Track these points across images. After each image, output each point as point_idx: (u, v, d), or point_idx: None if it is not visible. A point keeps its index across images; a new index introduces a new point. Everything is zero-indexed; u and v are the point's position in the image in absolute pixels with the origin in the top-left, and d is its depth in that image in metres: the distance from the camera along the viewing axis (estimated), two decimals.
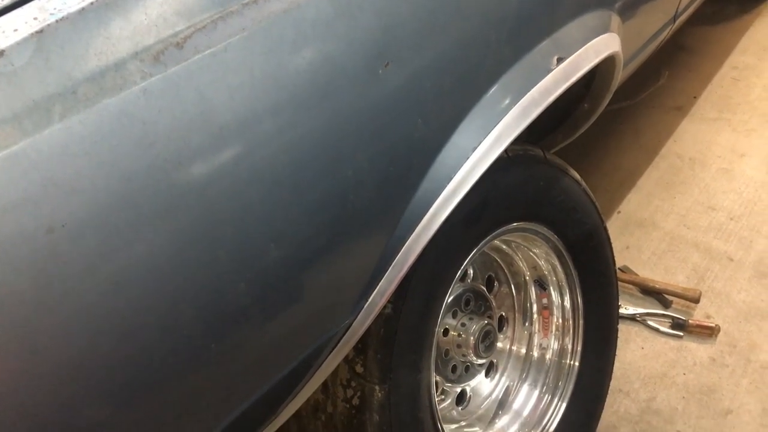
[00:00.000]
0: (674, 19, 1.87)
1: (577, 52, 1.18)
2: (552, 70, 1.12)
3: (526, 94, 1.08)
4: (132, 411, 0.72)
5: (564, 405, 1.43)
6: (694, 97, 2.80)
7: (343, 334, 0.97)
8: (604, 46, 1.25)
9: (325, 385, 1.13)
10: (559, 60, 1.14)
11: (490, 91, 1.03)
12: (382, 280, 0.97)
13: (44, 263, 0.59)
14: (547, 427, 1.41)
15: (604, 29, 1.27)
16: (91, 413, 0.69)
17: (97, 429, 0.70)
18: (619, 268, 2.01)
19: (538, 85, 1.10)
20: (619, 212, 2.27)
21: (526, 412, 1.43)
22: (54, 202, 0.59)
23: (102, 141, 0.61)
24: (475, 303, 1.38)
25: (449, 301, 1.32)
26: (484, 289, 1.41)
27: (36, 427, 0.65)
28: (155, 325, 0.68)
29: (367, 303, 0.97)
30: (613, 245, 1.51)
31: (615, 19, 1.33)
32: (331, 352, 0.98)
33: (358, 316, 0.97)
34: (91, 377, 0.67)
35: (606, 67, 1.35)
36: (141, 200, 0.64)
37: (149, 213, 0.65)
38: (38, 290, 0.59)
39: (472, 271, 1.40)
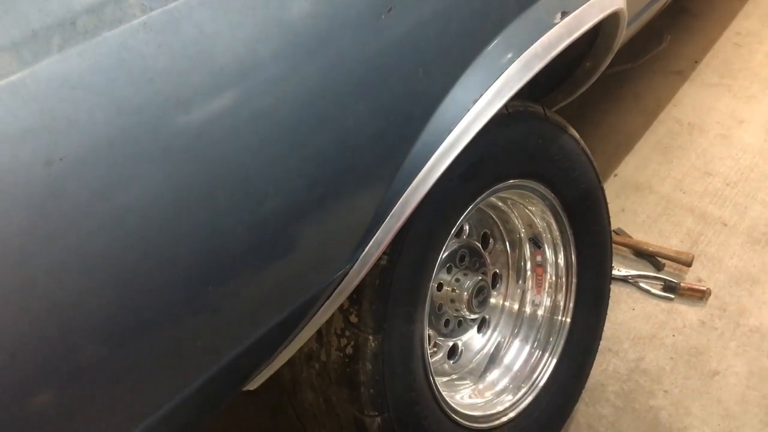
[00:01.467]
0: None
1: (582, 7, 1.16)
2: (556, 24, 1.11)
3: (528, 47, 1.07)
4: (126, 350, 0.73)
5: (554, 361, 1.45)
6: (696, 62, 2.78)
7: (339, 283, 0.98)
8: (608, 2, 1.23)
9: (319, 333, 1.14)
10: (564, 14, 1.12)
11: (493, 44, 1.02)
12: (378, 231, 0.97)
13: (42, 196, 0.59)
14: (536, 382, 1.43)
15: None
16: (87, 352, 0.69)
17: (93, 368, 0.71)
18: (613, 231, 2.02)
19: (541, 39, 1.09)
20: (615, 175, 2.27)
21: (516, 367, 1.45)
22: (53, 134, 0.58)
23: (101, 74, 0.60)
24: (469, 259, 1.39)
25: (444, 256, 1.33)
26: (479, 245, 1.42)
27: (33, 367, 0.65)
28: (152, 265, 0.69)
29: (364, 253, 0.97)
30: (609, 208, 1.51)
31: None
32: (326, 300, 0.99)
33: (354, 266, 0.98)
34: (88, 315, 0.67)
35: (610, 24, 1.33)
36: (139, 136, 0.64)
37: (148, 149, 0.65)
38: (36, 223, 0.59)
39: (467, 228, 1.40)
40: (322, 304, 0.99)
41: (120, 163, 0.63)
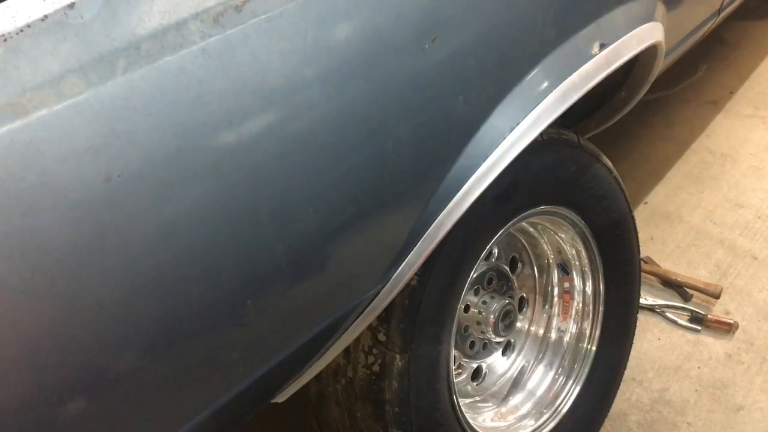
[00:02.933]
0: (719, 12, 1.85)
1: (620, 39, 1.17)
2: (594, 55, 1.12)
3: (566, 78, 1.08)
4: (167, 360, 0.75)
5: (578, 388, 1.45)
6: (731, 92, 2.77)
7: (370, 302, 1.00)
8: (647, 34, 1.25)
9: (347, 350, 1.16)
10: (602, 46, 1.14)
11: (532, 73, 1.04)
12: (411, 252, 0.99)
13: (100, 211, 0.61)
14: (559, 409, 1.43)
15: (649, 18, 1.26)
16: (129, 361, 0.72)
17: (133, 377, 0.73)
18: (641, 259, 2.01)
19: (579, 70, 1.10)
20: (645, 203, 2.26)
21: (539, 393, 1.45)
22: (113, 152, 0.61)
23: (161, 97, 0.63)
24: (497, 282, 1.40)
25: (472, 278, 1.34)
26: (508, 269, 1.43)
27: (74, 372, 0.68)
28: (197, 278, 0.71)
29: (396, 273, 0.99)
30: (638, 236, 1.51)
31: (660, 8, 1.32)
32: (357, 318, 1.00)
33: (386, 286, 0.99)
34: (133, 324, 0.69)
35: (647, 56, 1.34)
36: (192, 156, 0.66)
37: (199, 169, 0.67)
38: (93, 236, 0.62)
39: (496, 251, 1.42)
40: (353, 322, 1.00)
41: (172, 181, 0.66)
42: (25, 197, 0.57)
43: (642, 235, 1.85)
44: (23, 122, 0.57)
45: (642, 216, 2.20)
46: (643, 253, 2.04)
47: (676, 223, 2.19)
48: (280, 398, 1.09)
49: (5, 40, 0.57)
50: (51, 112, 0.58)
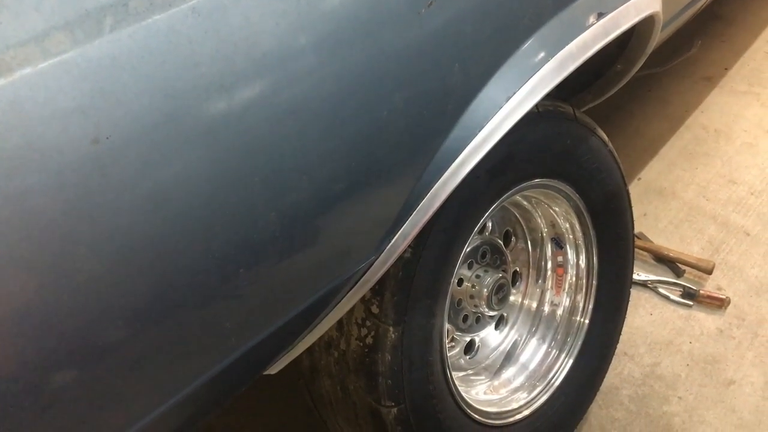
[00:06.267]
0: None
1: (618, 9, 1.16)
2: (592, 25, 1.11)
3: (563, 47, 1.07)
4: (158, 329, 0.74)
5: (570, 361, 1.45)
6: (725, 69, 2.76)
7: (364, 273, 0.99)
8: (645, 4, 1.23)
9: (339, 322, 1.15)
10: (600, 15, 1.12)
11: (528, 42, 1.02)
12: (406, 223, 0.98)
13: (87, 173, 0.60)
14: (552, 382, 1.43)
15: None
16: (119, 329, 0.70)
17: (124, 346, 0.72)
18: (634, 235, 2.01)
19: (576, 40, 1.09)
20: (639, 179, 2.26)
21: (532, 366, 1.45)
22: (101, 113, 0.59)
23: (149, 56, 0.61)
24: (491, 256, 1.39)
25: (466, 251, 1.33)
26: (501, 243, 1.42)
27: (65, 336, 0.67)
28: (188, 245, 0.70)
29: (390, 244, 0.98)
30: (632, 211, 1.51)
31: None
32: (350, 289, 0.99)
33: (380, 257, 0.98)
34: (123, 291, 0.68)
35: (644, 27, 1.33)
36: (183, 119, 0.65)
37: (190, 133, 0.66)
38: (80, 199, 0.60)
39: (490, 225, 1.41)
40: (346, 293, 1.00)
41: (162, 144, 0.64)
42: (10, 158, 0.56)
43: (635, 211, 1.84)
44: (6, 80, 0.55)
45: (635, 192, 2.20)
46: (636, 229, 2.04)
47: (670, 199, 2.19)
48: (273, 370, 1.08)
49: None
50: (36, 70, 0.56)
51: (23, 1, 0.56)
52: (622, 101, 2.48)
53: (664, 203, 2.18)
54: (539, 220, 1.47)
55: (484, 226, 1.38)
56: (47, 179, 0.58)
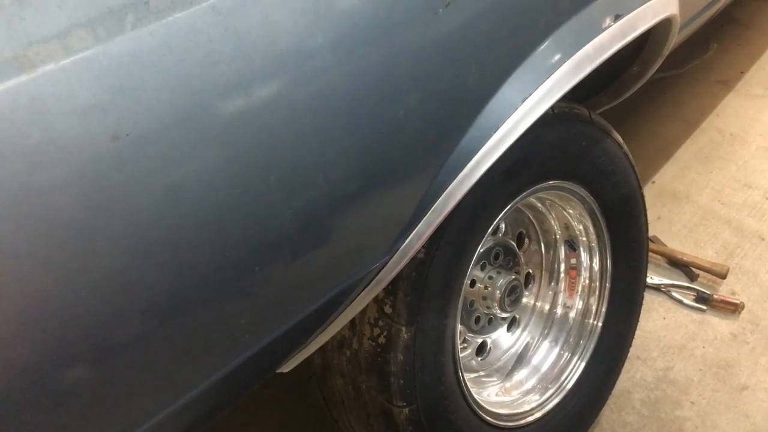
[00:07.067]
0: None
1: (635, 11, 1.15)
2: (609, 27, 1.10)
3: (580, 49, 1.06)
4: (174, 325, 0.74)
5: (583, 364, 1.44)
6: (741, 73, 2.74)
7: (377, 273, 0.99)
8: (662, 7, 1.22)
9: (352, 322, 1.15)
10: (617, 17, 1.12)
11: (545, 43, 1.02)
12: (420, 223, 0.98)
13: (107, 169, 0.60)
14: (564, 384, 1.43)
15: None
16: (135, 323, 0.71)
17: (140, 341, 0.72)
18: (648, 238, 2.00)
19: (593, 41, 1.08)
20: (653, 182, 2.24)
21: (544, 368, 1.45)
22: (121, 110, 0.60)
23: (170, 54, 0.62)
24: (504, 257, 1.39)
25: (479, 253, 1.33)
26: (514, 244, 1.42)
27: (83, 332, 0.67)
28: (205, 241, 0.70)
29: (404, 244, 0.98)
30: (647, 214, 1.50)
31: None
32: (364, 289, 0.99)
33: (394, 257, 0.98)
34: (140, 285, 0.68)
35: (661, 29, 1.32)
36: (202, 117, 0.65)
37: (208, 130, 0.66)
38: (99, 195, 0.61)
39: (503, 226, 1.40)
40: (360, 293, 1.00)
41: (181, 141, 0.64)
42: (32, 153, 0.56)
43: (649, 215, 1.83)
44: (29, 76, 0.55)
45: (649, 195, 2.18)
46: (650, 233, 2.03)
47: (684, 203, 2.18)
48: (286, 368, 1.09)
49: None
50: (58, 66, 0.56)
51: None
52: (637, 103, 2.47)
53: (679, 207, 2.17)
54: (553, 223, 1.46)
55: (497, 228, 1.38)
56: (67, 175, 0.58)
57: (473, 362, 1.44)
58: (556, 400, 1.41)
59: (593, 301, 1.47)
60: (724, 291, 1.92)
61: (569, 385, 1.43)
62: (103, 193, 0.61)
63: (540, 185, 1.25)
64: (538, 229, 1.48)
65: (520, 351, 1.49)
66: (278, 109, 0.72)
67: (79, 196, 0.59)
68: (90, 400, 0.72)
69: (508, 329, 1.49)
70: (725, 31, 2.91)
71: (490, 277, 1.36)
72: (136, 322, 0.70)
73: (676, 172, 2.29)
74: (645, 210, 1.49)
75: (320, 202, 0.82)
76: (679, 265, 1.98)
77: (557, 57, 1.04)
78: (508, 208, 1.21)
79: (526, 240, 1.47)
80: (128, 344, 0.71)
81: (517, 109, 1.00)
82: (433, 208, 0.98)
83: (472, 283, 1.35)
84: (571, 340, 1.47)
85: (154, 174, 0.63)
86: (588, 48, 1.08)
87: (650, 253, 1.98)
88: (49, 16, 0.56)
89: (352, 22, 0.76)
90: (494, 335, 1.47)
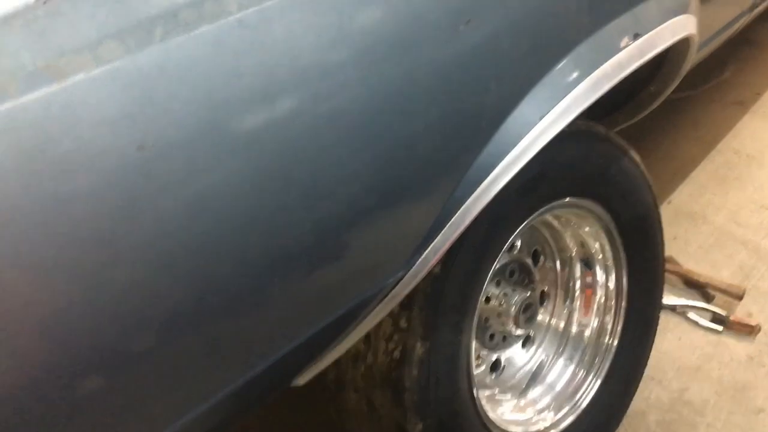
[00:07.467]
0: (752, 8, 1.82)
1: (654, 30, 1.16)
2: (627, 45, 1.11)
3: (598, 67, 1.07)
4: (188, 335, 0.75)
5: (598, 383, 1.43)
6: (758, 94, 2.73)
7: (393, 287, 0.99)
8: (681, 26, 1.23)
9: (367, 336, 1.15)
10: (636, 36, 1.12)
11: (563, 61, 1.03)
12: (437, 238, 0.98)
13: (132, 179, 0.61)
14: (579, 403, 1.42)
15: (683, 9, 1.24)
16: (153, 333, 0.71)
17: (156, 350, 0.73)
18: (664, 257, 1.99)
19: (612, 60, 1.09)
20: (669, 202, 2.24)
21: (559, 386, 1.44)
22: (148, 120, 0.61)
23: (196, 66, 0.63)
24: (519, 275, 1.39)
25: (495, 269, 1.33)
26: (530, 262, 1.42)
27: (104, 340, 0.67)
28: (226, 252, 0.71)
29: (420, 259, 0.99)
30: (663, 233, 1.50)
31: (694, 1, 1.30)
32: (380, 303, 1.00)
33: (410, 271, 0.99)
34: (159, 295, 0.69)
35: (679, 49, 1.32)
36: (226, 129, 0.66)
37: (232, 142, 0.67)
38: (124, 204, 0.62)
39: (519, 243, 1.40)
40: (375, 307, 1.00)
41: (205, 152, 0.65)
42: (61, 162, 0.57)
43: (665, 235, 1.83)
44: (60, 86, 0.56)
45: (666, 215, 2.16)
46: (666, 253, 2.01)
47: (700, 223, 2.17)
48: (300, 381, 1.09)
49: (45, 2, 0.56)
50: (88, 76, 0.57)
51: (79, 10, 0.58)
52: (653, 123, 2.46)
53: (695, 227, 2.16)
54: (568, 240, 1.46)
55: (512, 245, 1.38)
56: (95, 183, 0.59)
57: (487, 379, 1.43)
58: (570, 419, 1.40)
59: (609, 319, 1.46)
60: (740, 312, 1.90)
61: (584, 404, 1.42)
62: (127, 202, 0.62)
63: (556, 203, 1.25)
64: (553, 246, 1.48)
65: (534, 369, 1.48)
66: (300, 122, 0.73)
67: (105, 204, 0.60)
68: (100, 410, 0.72)
69: (523, 346, 1.48)
70: (741, 52, 2.91)
71: (505, 294, 1.35)
72: (154, 331, 0.71)
73: (693, 192, 2.28)
74: (661, 229, 1.48)
75: (339, 215, 0.83)
76: (695, 285, 1.97)
77: (575, 75, 1.05)
78: (524, 224, 1.21)
79: (542, 257, 1.47)
80: (144, 353, 0.72)
81: (534, 126, 1.00)
82: (450, 223, 0.98)
83: (487, 299, 1.35)
84: (586, 358, 1.46)
85: (177, 184, 0.64)
86: (606, 66, 1.08)
87: (666, 274, 1.97)
88: (81, 27, 0.58)
89: (374, 38, 0.77)
90: (508, 352, 1.46)
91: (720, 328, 1.85)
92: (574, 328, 1.49)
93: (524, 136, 1.00)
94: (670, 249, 2.06)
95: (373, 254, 0.93)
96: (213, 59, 0.64)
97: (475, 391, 1.24)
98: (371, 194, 0.86)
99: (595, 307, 1.47)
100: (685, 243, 2.11)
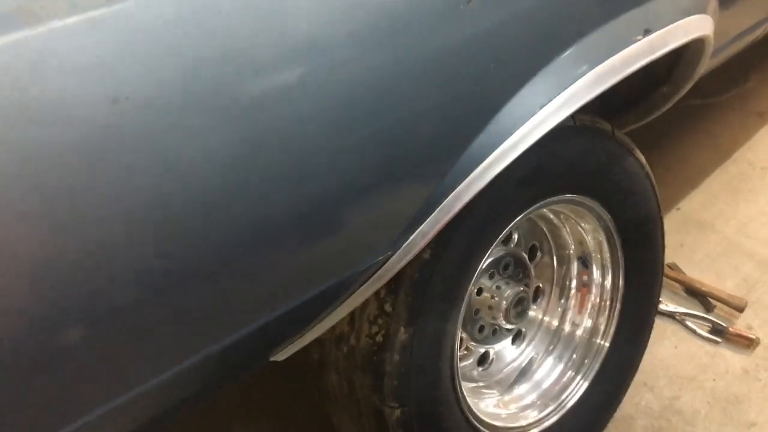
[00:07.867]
0: None
1: (667, 27, 1.13)
2: (637, 40, 1.08)
3: (605, 60, 1.05)
4: (168, 295, 0.74)
5: (586, 384, 1.41)
6: None
7: (378, 269, 0.98)
8: (695, 26, 1.20)
9: (352, 317, 1.14)
10: (647, 32, 1.10)
11: (570, 50, 1.00)
12: (425, 222, 0.97)
13: (104, 132, 0.60)
14: (565, 403, 1.40)
15: (700, 9, 1.21)
16: (127, 293, 0.70)
17: (131, 311, 0.72)
18: (667, 264, 1.97)
19: (620, 54, 1.06)
20: (678, 209, 2.20)
21: (546, 384, 1.42)
22: (123, 73, 0.60)
23: (179, 21, 0.61)
24: (513, 268, 1.37)
25: (489, 262, 1.31)
26: (526, 256, 1.40)
27: (77, 296, 0.67)
28: (202, 218, 0.70)
29: (407, 242, 0.97)
30: (667, 241, 1.47)
31: (712, 2, 1.27)
32: (363, 283, 0.99)
33: (397, 253, 0.97)
34: (134, 254, 0.68)
35: (693, 50, 1.29)
36: (204, 89, 0.65)
37: (211, 105, 0.66)
38: (95, 157, 0.61)
39: (516, 237, 1.38)
40: (360, 286, 0.99)
41: (181, 111, 0.64)
42: (30, 108, 0.56)
43: (672, 241, 1.81)
44: (34, 31, 0.55)
45: (674, 221, 2.14)
46: (671, 259, 1.99)
47: (709, 233, 2.13)
48: (280, 357, 1.08)
49: None
50: (63, 23, 0.56)
51: None
52: (670, 128, 2.43)
53: (703, 236, 2.12)
54: (567, 237, 1.44)
55: (509, 237, 1.36)
56: (64, 133, 0.58)
57: (474, 372, 1.42)
58: (554, 418, 1.39)
59: (602, 320, 1.44)
60: (740, 325, 1.87)
61: (570, 404, 1.40)
62: (99, 154, 0.61)
63: (555, 197, 1.23)
64: (551, 242, 1.46)
65: (523, 365, 1.46)
66: (288, 94, 0.72)
67: (74, 155, 0.59)
68: (78, 365, 0.72)
69: (513, 342, 1.46)
70: (765, 63, 2.85)
71: (498, 287, 1.34)
72: (131, 287, 0.70)
73: (704, 200, 2.25)
74: (663, 234, 1.46)
75: (324, 190, 0.82)
76: (696, 294, 1.94)
77: (581, 66, 1.02)
78: (520, 217, 1.19)
79: (539, 253, 1.45)
80: (123, 310, 0.71)
81: (533, 115, 0.98)
82: (439, 207, 0.97)
83: (479, 291, 1.33)
84: (576, 358, 1.44)
85: (152, 141, 0.63)
86: (614, 60, 1.06)
87: (668, 280, 1.94)
88: None
89: (371, 15, 0.76)
90: (498, 346, 1.45)
91: (718, 339, 1.83)
92: (566, 327, 1.47)
93: (522, 125, 0.98)
94: (676, 256, 2.04)
95: (360, 232, 0.92)
96: (197, 16, 0.62)
97: (458, 381, 1.23)
98: (361, 172, 0.84)
99: (590, 306, 1.45)
100: (691, 251, 2.07)
